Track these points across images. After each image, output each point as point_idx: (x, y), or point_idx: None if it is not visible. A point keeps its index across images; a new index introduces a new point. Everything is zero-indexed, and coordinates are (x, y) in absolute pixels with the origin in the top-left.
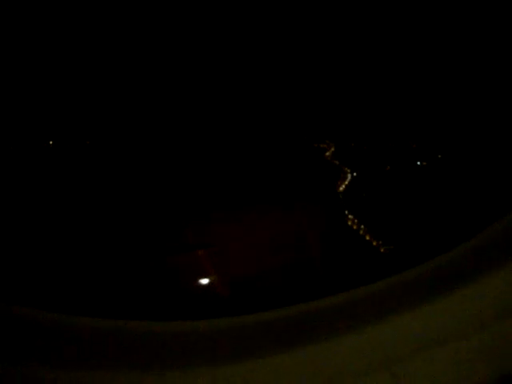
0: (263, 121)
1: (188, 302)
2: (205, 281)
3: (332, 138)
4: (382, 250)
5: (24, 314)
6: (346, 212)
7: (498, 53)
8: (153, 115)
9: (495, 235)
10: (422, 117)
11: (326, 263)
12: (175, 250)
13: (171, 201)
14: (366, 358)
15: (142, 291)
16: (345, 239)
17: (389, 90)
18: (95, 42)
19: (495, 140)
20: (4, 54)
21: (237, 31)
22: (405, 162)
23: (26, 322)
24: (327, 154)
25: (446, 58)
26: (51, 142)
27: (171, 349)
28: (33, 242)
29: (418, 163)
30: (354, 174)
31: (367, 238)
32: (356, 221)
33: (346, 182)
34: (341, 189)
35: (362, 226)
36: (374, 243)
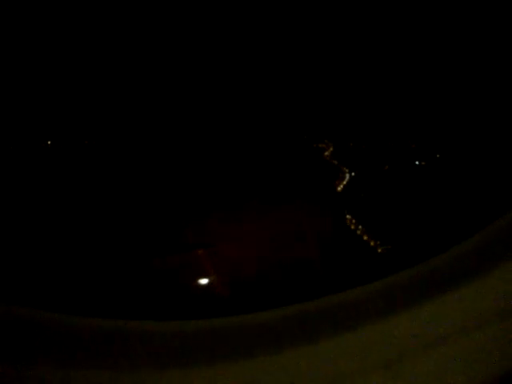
0: (262, 121)
1: (187, 302)
2: (204, 280)
3: (331, 137)
4: (379, 250)
5: (23, 314)
6: (344, 212)
7: (496, 53)
8: (152, 115)
9: (493, 235)
10: (420, 117)
11: (324, 263)
12: (175, 250)
13: (171, 201)
14: (365, 357)
15: (142, 291)
16: (343, 239)
17: (388, 90)
18: (93, 43)
19: (494, 140)
20: (2, 56)
21: (236, 32)
22: (403, 162)
23: (25, 322)
24: (326, 153)
25: (445, 59)
26: (49, 142)
27: (171, 348)
28: (32, 242)
29: (417, 163)
30: (353, 173)
31: (365, 238)
32: (354, 221)
33: (345, 182)
34: (339, 189)
35: (360, 227)
36: (372, 243)
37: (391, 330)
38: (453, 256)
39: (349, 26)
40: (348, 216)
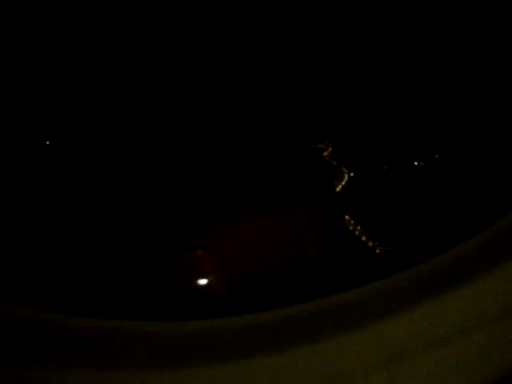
0: (262, 121)
1: (187, 302)
2: (204, 281)
3: (330, 137)
4: (377, 251)
5: (21, 314)
6: (343, 212)
7: (496, 54)
8: (152, 116)
9: (493, 236)
10: (419, 117)
11: (323, 263)
12: (175, 250)
13: (171, 201)
14: (366, 357)
15: (141, 291)
16: (341, 239)
17: (387, 90)
18: (93, 43)
19: (493, 141)
20: (1, 56)
21: (236, 33)
22: (402, 162)
23: (23, 322)
24: (325, 153)
25: (445, 60)
26: (48, 142)
27: (170, 349)
28: (31, 242)
29: (416, 163)
30: (352, 174)
31: (363, 238)
32: (352, 221)
33: (343, 183)
34: (338, 189)
35: (359, 227)
36: (370, 244)
37: (391, 331)
38: (452, 256)
39: (348, 27)
40: (347, 216)
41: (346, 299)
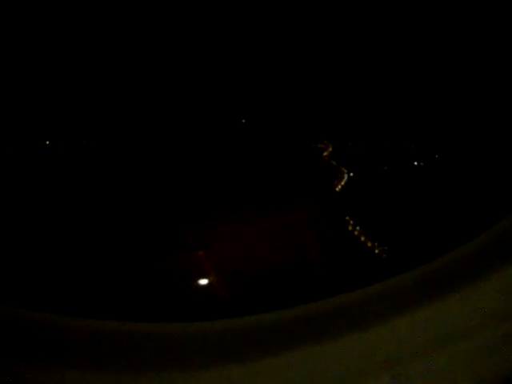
0: (261, 121)
1: (186, 302)
2: (204, 281)
3: (329, 137)
4: (376, 251)
5: (21, 314)
6: (343, 213)
7: (496, 53)
8: (152, 117)
9: (494, 237)
10: (419, 117)
11: (322, 264)
12: (175, 250)
13: (170, 201)
14: (366, 358)
15: (142, 292)
16: (341, 240)
17: (387, 90)
18: (92, 42)
19: (495, 140)
20: (0, 56)
21: (236, 33)
22: (402, 162)
23: (23, 322)
24: (325, 153)
25: (445, 59)
26: (48, 142)
27: (171, 350)
28: (31, 243)
29: (416, 163)
30: (351, 174)
31: (362, 239)
32: (352, 222)
33: (343, 183)
34: (337, 189)
35: (358, 227)
36: (369, 244)
37: (393, 332)
38: (456, 257)
39: (347, 26)
40: (346, 217)
41: (349, 300)
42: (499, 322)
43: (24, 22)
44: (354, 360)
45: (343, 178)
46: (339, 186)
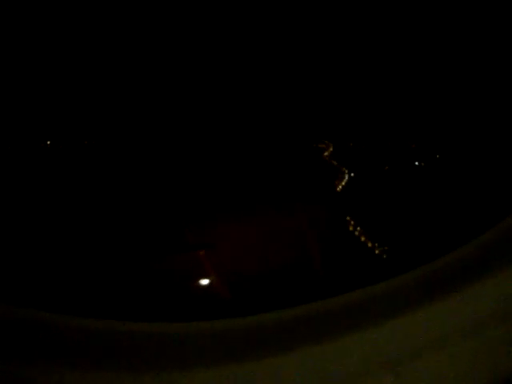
0: (262, 121)
1: (186, 303)
2: (204, 281)
3: (330, 137)
4: (377, 252)
5: (22, 314)
6: (343, 213)
7: (496, 53)
8: (152, 117)
9: (494, 237)
10: (420, 117)
11: (323, 264)
12: (175, 250)
13: (171, 201)
14: (367, 359)
15: (142, 292)
16: (341, 240)
17: (387, 90)
18: (93, 42)
19: (495, 139)
20: (1, 56)
21: (236, 33)
22: (403, 162)
23: (23, 322)
24: (326, 153)
25: (445, 60)
26: (49, 142)
27: (172, 350)
28: (32, 242)
29: (417, 163)
30: (352, 174)
31: (363, 239)
32: (352, 222)
33: (344, 183)
34: (338, 189)
35: (358, 228)
36: (370, 244)
37: (394, 332)
38: (456, 257)
39: (348, 26)
40: (347, 217)
41: (349, 300)
42: (500, 322)
43: (25, 22)
44: (354, 360)
45: (344, 178)
46: (340, 186)
